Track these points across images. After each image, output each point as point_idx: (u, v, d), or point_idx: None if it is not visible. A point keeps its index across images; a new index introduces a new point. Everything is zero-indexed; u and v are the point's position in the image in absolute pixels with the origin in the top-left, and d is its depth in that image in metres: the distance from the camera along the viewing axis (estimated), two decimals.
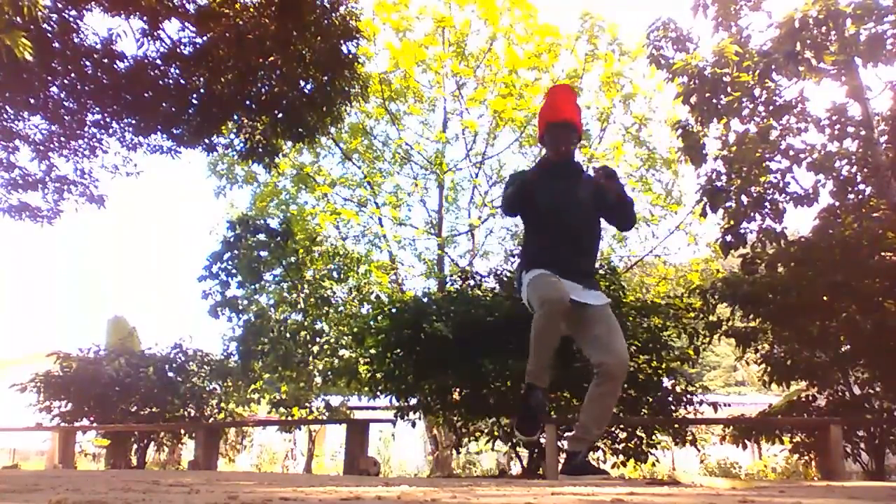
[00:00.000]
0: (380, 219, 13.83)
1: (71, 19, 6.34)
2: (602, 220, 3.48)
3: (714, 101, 6.46)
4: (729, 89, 6.39)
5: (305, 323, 9.21)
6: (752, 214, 6.20)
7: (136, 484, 2.29)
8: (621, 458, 5.77)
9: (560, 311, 3.04)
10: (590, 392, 3.10)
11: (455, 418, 5.93)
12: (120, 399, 8.29)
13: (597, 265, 3.46)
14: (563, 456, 3.26)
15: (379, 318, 6.01)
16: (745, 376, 28.68)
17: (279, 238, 9.37)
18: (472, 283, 6.47)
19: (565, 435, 3.20)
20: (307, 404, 8.98)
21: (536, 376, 3.10)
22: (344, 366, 8.04)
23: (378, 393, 5.96)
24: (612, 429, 5.81)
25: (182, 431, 8.81)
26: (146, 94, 6.70)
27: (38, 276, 63.66)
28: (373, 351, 5.97)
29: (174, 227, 74.54)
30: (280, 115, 6.88)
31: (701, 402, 5.76)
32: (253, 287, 9.43)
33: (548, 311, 3.04)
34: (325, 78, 6.68)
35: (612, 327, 3.15)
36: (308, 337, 9.05)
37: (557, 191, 3.29)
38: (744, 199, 6.18)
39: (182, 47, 6.70)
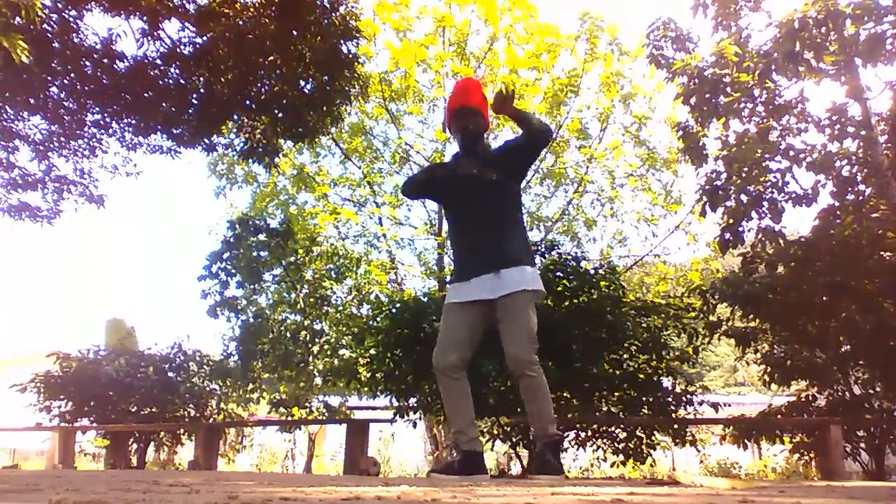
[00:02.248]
0: (380, 218, 13.84)
1: (71, 19, 6.33)
2: (521, 170, 3.58)
3: (714, 101, 6.45)
4: (729, 89, 6.38)
5: (305, 323, 9.21)
6: (751, 214, 6.20)
7: (136, 484, 2.29)
8: (621, 458, 5.77)
9: (450, 373, 3.18)
10: (521, 391, 3.19)
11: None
12: (120, 399, 8.29)
13: (520, 234, 3.41)
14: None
15: (379, 318, 6.01)
16: (746, 377, 28.69)
17: (279, 238, 9.37)
18: None
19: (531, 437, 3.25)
20: (307, 404, 8.98)
21: (459, 437, 3.17)
22: (344, 366, 8.04)
23: (378, 393, 5.96)
24: (612, 429, 5.82)
25: (182, 431, 8.81)
26: (146, 94, 6.70)
27: (38, 276, 63.66)
28: (373, 351, 5.97)
29: (174, 227, 74.55)
30: (280, 115, 6.88)
31: (701, 403, 5.77)
32: (252, 287, 9.43)
33: (439, 377, 3.22)
34: (325, 78, 6.68)
35: (512, 325, 3.16)
36: (308, 337, 9.06)
37: (464, 179, 3.35)
38: (743, 198, 6.17)
39: (182, 47, 6.70)
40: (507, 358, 3.14)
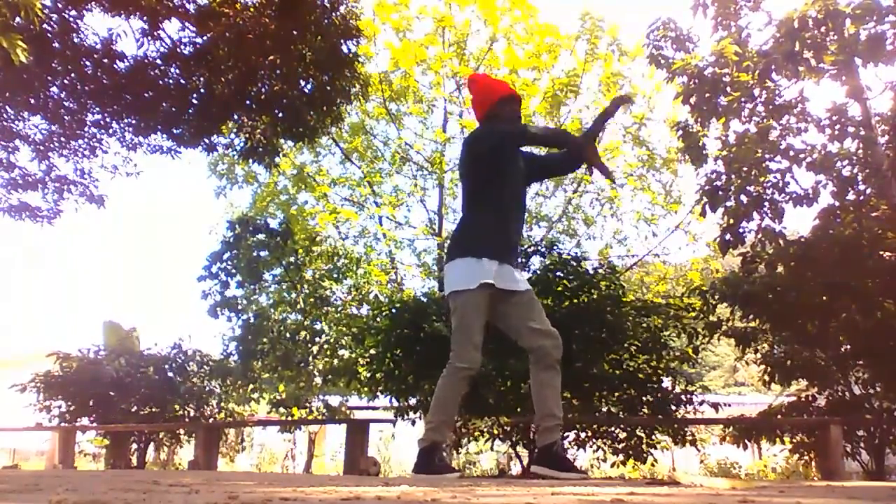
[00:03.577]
0: (380, 218, 13.84)
1: (71, 19, 6.34)
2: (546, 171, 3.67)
3: (714, 100, 6.45)
4: (729, 89, 6.38)
5: (305, 323, 9.21)
6: (751, 214, 6.20)
7: (136, 484, 2.29)
8: (621, 458, 5.77)
9: (475, 374, 3.07)
10: (539, 379, 3.07)
11: (454, 418, 5.93)
12: (120, 399, 8.29)
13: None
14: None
15: (379, 318, 6.02)
16: (746, 377, 28.69)
17: (279, 238, 9.38)
18: None
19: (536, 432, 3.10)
20: (307, 404, 8.98)
21: (438, 431, 3.08)
22: (344, 366, 8.04)
23: (378, 393, 5.97)
24: (612, 429, 5.81)
25: (182, 431, 8.81)
26: (146, 94, 6.70)
27: (38, 276, 63.65)
28: (372, 351, 5.97)
29: (174, 227, 74.55)
30: (280, 115, 6.89)
31: (701, 403, 5.77)
32: (252, 287, 9.44)
33: (466, 375, 3.06)
34: (325, 78, 6.68)
35: (540, 309, 3.14)
36: (307, 337, 9.06)
37: (515, 162, 3.28)
38: (743, 198, 6.17)
39: (182, 47, 6.70)
40: (546, 343, 3.04)
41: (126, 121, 7.14)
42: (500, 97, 3.28)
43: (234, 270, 9.27)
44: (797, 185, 6.19)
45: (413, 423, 6.17)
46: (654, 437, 5.74)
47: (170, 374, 8.78)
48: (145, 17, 6.34)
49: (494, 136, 3.21)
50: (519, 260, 3.38)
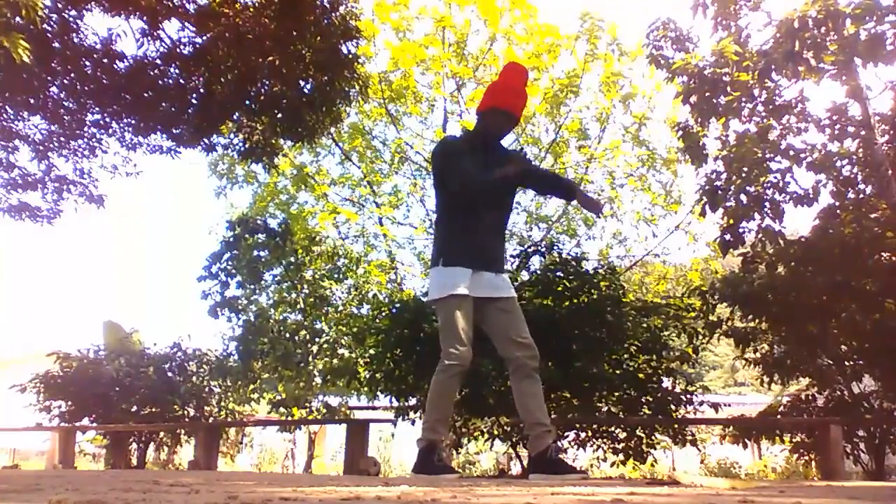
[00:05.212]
0: (379, 218, 13.84)
1: (71, 19, 6.34)
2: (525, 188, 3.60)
3: (714, 100, 6.45)
4: (729, 89, 6.38)
5: (305, 323, 9.21)
6: (751, 214, 6.19)
7: (136, 484, 2.29)
8: (621, 457, 5.77)
9: (465, 370, 3.08)
10: (520, 389, 3.09)
11: (454, 418, 5.94)
12: (120, 399, 8.28)
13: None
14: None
15: (379, 318, 6.02)
16: (746, 377, 28.69)
17: (279, 238, 9.38)
18: None
19: (528, 439, 3.10)
20: (307, 404, 8.99)
21: (435, 430, 3.11)
22: (344, 366, 8.04)
23: (378, 393, 5.96)
24: (612, 429, 5.81)
25: (182, 431, 8.81)
26: (146, 94, 6.71)
27: (38, 275, 63.65)
28: (372, 351, 5.97)
29: (174, 228, 74.52)
30: (280, 115, 6.89)
31: (701, 403, 5.77)
32: (252, 287, 9.44)
33: (458, 371, 3.06)
34: (325, 78, 6.68)
35: (520, 318, 3.16)
36: (307, 337, 9.06)
37: (487, 168, 3.25)
38: (743, 198, 6.17)
39: (182, 47, 6.71)
40: (522, 354, 3.08)
41: (126, 121, 7.14)
42: (493, 107, 3.25)
43: (234, 270, 9.27)
44: (797, 185, 6.19)
45: (413, 422, 6.18)
46: (654, 437, 5.73)
47: (170, 373, 8.78)
48: (145, 17, 6.34)
49: (453, 173, 3.20)
50: (504, 264, 3.40)
